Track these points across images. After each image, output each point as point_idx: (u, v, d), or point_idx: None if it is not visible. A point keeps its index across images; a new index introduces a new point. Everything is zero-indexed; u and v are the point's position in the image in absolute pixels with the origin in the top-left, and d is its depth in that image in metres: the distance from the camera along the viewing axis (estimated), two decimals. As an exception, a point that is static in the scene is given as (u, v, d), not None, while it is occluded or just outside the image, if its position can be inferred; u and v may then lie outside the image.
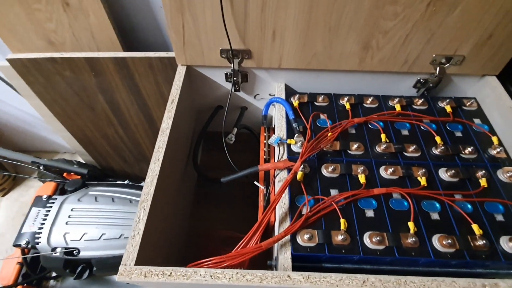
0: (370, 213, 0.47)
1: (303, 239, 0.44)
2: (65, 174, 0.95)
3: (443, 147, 0.54)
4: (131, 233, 0.40)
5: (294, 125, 0.56)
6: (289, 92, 0.64)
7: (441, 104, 0.62)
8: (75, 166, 0.96)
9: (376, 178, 0.51)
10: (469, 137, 0.57)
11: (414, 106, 0.62)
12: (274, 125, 0.65)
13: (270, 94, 0.69)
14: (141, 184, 0.91)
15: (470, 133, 0.58)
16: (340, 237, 0.44)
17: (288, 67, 0.60)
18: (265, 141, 0.61)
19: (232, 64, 0.58)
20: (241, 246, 0.42)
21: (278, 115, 0.60)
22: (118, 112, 0.85)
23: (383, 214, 0.47)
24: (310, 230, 0.44)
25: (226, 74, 0.63)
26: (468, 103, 0.61)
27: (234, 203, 0.71)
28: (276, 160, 0.52)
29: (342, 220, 0.45)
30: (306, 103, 0.61)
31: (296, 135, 0.55)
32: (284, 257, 0.43)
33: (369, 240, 0.44)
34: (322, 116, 0.59)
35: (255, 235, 0.42)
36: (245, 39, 0.55)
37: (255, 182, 0.55)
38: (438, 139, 0.55)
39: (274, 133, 0.63)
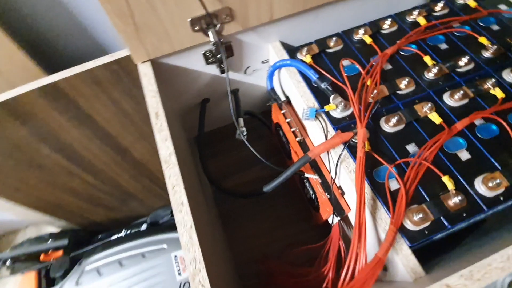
0: (464, 155, 0.37)
1: (414, 222, 0.32)
2: (42, 256, 0.74)
3: (494, 47, 0.44)
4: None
5: (323, 85, 0.42)
6: (290, 49, 0.49)
7: (460, 1, 0.52)
8: (50, 241, 0.75)
9: (445, 110, 0.41)
10: (507, 27, 0.48)
11: (435, 14, 0.51)
12: (287, 97, 0.51)
13: (263, 62, 0.54)
14: (142, 228, 0.74)
15: (504, 23, 0.49)
16: (454, 200, 0.33)
17: (282, 16, 0.45)
18: (287, 120, 0.48)
19: (211, 35, 0.42)
20: (351, 268, 0.30)
21: (292, 82, 0.46)
22: (75, 156, 0.65)
23: (478, 150, 0.37)
24: (417, 208, 0.33)
25: (204, 54, 0.46)
26: (487, -10, 0.52)
27: (268, 209, 0.58)
28: (324, 138, 0.39)
29: (444, 178, 0.35)
30: (318, 55, 0.48)
31: (332, 97, 0.41)
32: (402, 255, 0.31)
33: (484, 187, 0.34)
34: (346, 62, 0.46)
35: (360, 245, 0.30)
36: (220, -6, 0.39)
37: (307, 175, 0.42)
38: (483, 40, 0.46)
39: (291, 106, 0.50)
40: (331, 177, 0.39)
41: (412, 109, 0.40)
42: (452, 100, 0.41)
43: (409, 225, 0.33)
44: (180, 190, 0.31)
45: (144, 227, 0.76)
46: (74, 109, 0.53)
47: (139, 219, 0.90)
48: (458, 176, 0.35)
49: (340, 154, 0.37)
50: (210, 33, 0.42)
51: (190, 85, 0.52)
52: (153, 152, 0.71)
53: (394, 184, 0.36)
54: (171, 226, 0.72)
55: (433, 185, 0.35)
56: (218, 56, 0.46)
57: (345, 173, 0.37)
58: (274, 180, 0.40)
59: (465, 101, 0.41)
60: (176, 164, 0.33)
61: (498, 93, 0.40)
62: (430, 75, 0.43)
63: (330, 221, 0.43)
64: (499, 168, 0.35)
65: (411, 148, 0.38)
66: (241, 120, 0.51)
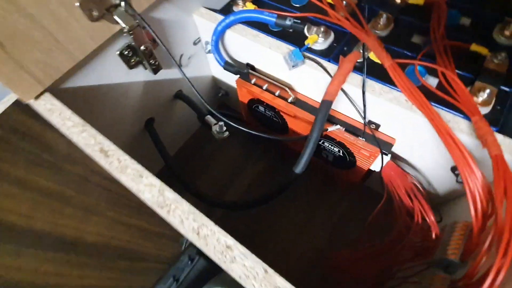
0: (466, 21, 0.33)
1: (484, 103, 0.27)
2: None
3: None
4: None
5: (288, 22, 0.33)
6: (220, 10, 0.39)
7: None
8: None
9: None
10: None
11: None
12: (248, 64, 0.40)
13: (195, 43, 0.43)
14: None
15: None
16: (500, 59, 0.29)
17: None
18: (264, 87, 0.37)
19: (119, 18, 0.29)
20: (479, 190, 0.22)
21: (248, 40, 0.35)
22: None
23: (472, 11, 0.34)
24: (475, 88, 0.28)
25: (121, 53, 0.33)
26: None
27: (287, 202, 0.48)
28: (328, 76, 0.31)
29: (473, 46, 0.30)
30: (257, -1, 0.39)
31: (305, 29, 0.33)
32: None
33: (504, 38, 0.31)
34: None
35: (467, 161, 0.22)
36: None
37: (329, 129, 0.32)
38: None
39: (259, 71, 0.40)
40: (361, 115, 0.31)
41: (391, 2, 0.35)
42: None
43: (480, 109, 0.27)
44: (211, 230, 0.19)
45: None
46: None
47: (137, 311, 0.69)
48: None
49: (363, 80, 0.29)
50: (116, 16, 0.29)
51: (120, 108, 0.37)
52: (112, 223, 0.53)
53: (430, 81, 0.30)
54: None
55: (467, 61, 0.30)
56: (142, 48, 0.33)
57: (374, 99, 0.29)
58: (302, 155, 0.30)
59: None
60: (180, 198, 0.20)
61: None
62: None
63: (374, 168, 0.35)
64: (506, 17, 0.32)
65: (417, 39, 0.32)
66: (209, 117, 0.39)
